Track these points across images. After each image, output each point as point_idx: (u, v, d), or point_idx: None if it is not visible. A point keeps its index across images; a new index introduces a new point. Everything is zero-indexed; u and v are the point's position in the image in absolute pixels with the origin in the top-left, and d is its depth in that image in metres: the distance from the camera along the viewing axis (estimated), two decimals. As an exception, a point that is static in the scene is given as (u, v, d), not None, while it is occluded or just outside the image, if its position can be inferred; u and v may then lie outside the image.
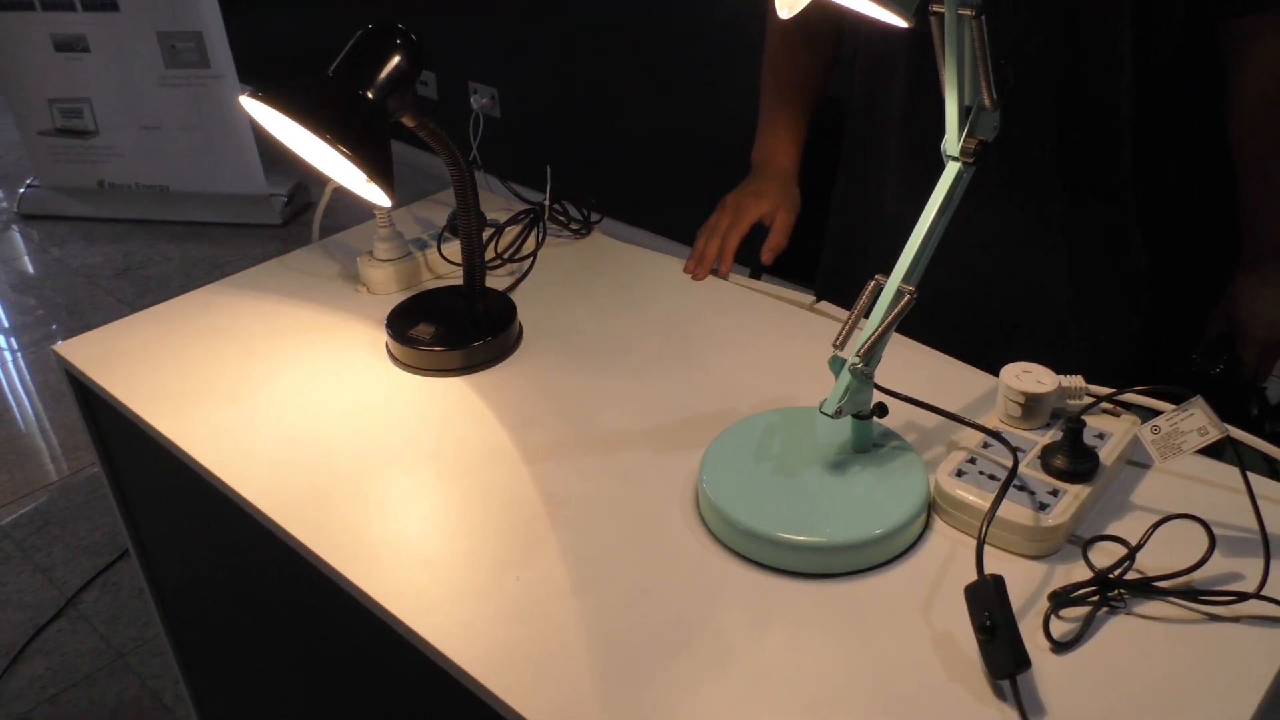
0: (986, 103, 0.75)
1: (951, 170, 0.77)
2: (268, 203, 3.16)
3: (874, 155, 1.18)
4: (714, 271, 1.16)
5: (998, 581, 0.67)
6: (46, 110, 3.13)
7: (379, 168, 0.86)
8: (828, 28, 1.22)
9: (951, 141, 0.76)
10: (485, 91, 3.09)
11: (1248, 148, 1.05)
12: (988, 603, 0.66)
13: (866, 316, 0.78)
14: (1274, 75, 1.02)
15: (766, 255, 1.18)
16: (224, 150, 3.10)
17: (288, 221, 3.21)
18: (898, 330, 1.03)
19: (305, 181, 3.31)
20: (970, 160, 0.76)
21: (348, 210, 1.17)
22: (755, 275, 1.57)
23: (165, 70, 3.00)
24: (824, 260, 1.32)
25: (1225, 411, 1.05)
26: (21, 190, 3.33)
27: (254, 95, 0.84)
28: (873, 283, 0.79)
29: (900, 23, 0.64)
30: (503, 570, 0.76)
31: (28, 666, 1.82)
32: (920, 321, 1.04)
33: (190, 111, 3.05)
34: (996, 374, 0.84)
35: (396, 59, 0.87)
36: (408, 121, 0.91)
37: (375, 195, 0.90)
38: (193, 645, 1.25)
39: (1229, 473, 0.81)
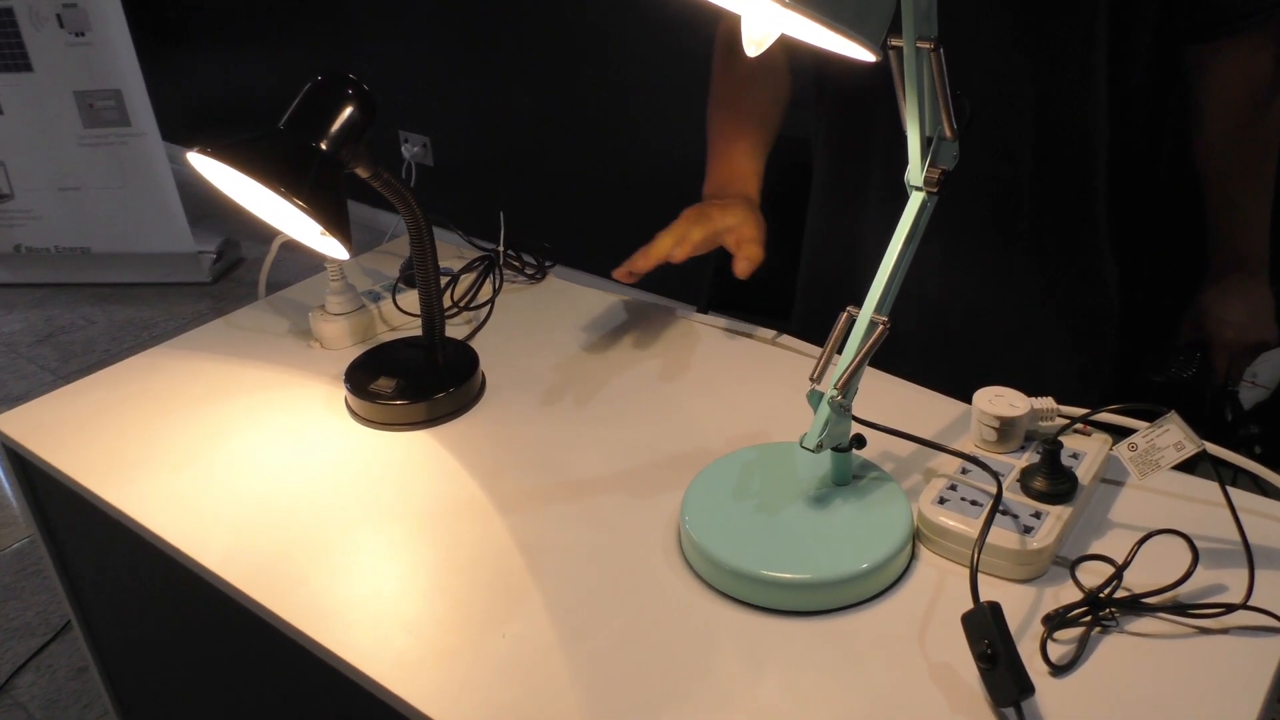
0: (947, 133, 0.75)
1: (916, 200, 0.77)
2: (195, 260, 3.09)
3: (852, 193, 1.18)
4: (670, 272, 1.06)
5: (995, 608, 0.66)
6: (-42, 175, 3.03)
7: (335, 220, 0.84)
8: (784, 64, 1.22)
9: (915, 172, 0.77)
10: (417, 140, 3.07)
11: (1211, 165, 1.09)
12: (986, 630, 0.66)
13: (840, 349, 0.78)
14: (1235, 97, 1.05)
15: (743, 267, 1.05)
16: (148, 209, 3.03)
17: (218, 279, 3.14)
18: (870, 362, 1.03)
19: (234, 237, 3.24)
20: (934, 190, 0.76)
21: (285, 265, 1.14)
22: (704, 310, 1.57)
23: (84, 130, 2.93)
24: (801, 302, 1.32)
25: (1200, 416, 1.07)
26: (-67, 258, 3.21)
27: (203, 152, 0.82)
28: (845, 315, 0.79)
29: (868, 57, 0.64)
30: (486, 627, 0.74)
31: (-40, 759, 1.72)
32: (896, 355, 1.04)
33: (111, 171, 2.98)
34: (971, 402, 0.85)
35: (349, 109, 0.85)
36: (361, 172, 0.89)
37: (331, 248, 0.88)
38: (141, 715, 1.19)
39: (1203, 486, 0.82)
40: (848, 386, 0.76)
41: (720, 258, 1.64)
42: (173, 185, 2.98)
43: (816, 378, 0.78)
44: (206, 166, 0.83)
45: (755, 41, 0.71)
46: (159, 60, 2.99)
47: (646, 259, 1.02)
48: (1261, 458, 0.82)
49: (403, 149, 3.09)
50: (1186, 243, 1.16)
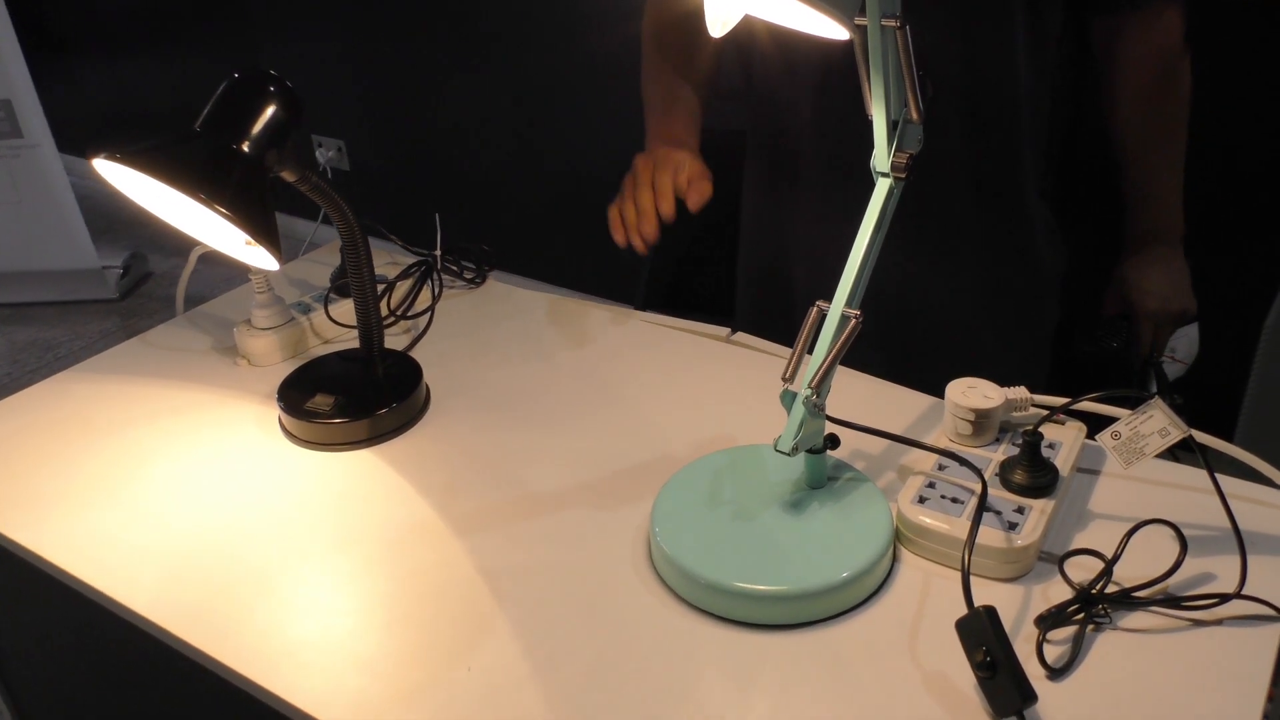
0: (913, 115, 0.72)
1: (883, 187, 0.74)
2: (100, 276, 2.95)
3: (781, 181, 1.16)
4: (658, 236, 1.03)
5: (991, 613, 0.63)
6: None
7: (262, 227, 0.77)
8: (709, 47, 1.19)
9: (881, 157, 0.73)
10: (331, 144, 2.97)
11: (1126, 138, 1.09)
12: (983, 637, 0.62)
13: (811, 347, 0.74)
14: (1143, 70, 1.06)
15: (694, 201, 1.02)
16: (46, 223, 2.87)
17: (125, 295, 3.00)
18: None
19: (142, 250, 3.10)
20: (902, 175, 0.73)
21: (201, 277, 1.06)
22: (640, 308, 1.53)
23: (-27, 143, 2.76)
24: (742, 295, 1.29)
25: (1127, 386, 1.07)
26: None
27: (111, 157, 0.75)
28: (814, 310, 0.75)
29: (842, 34, 0.61)
30: (450, 661, 0.68)
31: None
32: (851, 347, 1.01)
33: (4, 185, 2.82)
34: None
35: (271, 109, 0.79)
36: (288, 176, 0.82)
37: (258, 258, 0.81)
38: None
39: (1184, 472, 0.81)
40: (821, 384, 0.73)
41: (655, 256, 1.61)
42: (72, 198, 2.83)
43: (789, 377, 0.74)
44: (114, 173, 0.76)
45: (721, 21, 0.67)
46: (50, 69, 2.84)
47: (648, 222, 1.01)
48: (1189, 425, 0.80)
49: (317, 154, 2.99)
50: (1112, 214, 1.16)
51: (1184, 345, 1.19)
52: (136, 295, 3.03)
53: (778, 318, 1.22)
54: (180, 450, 0.90)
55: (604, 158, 2.45)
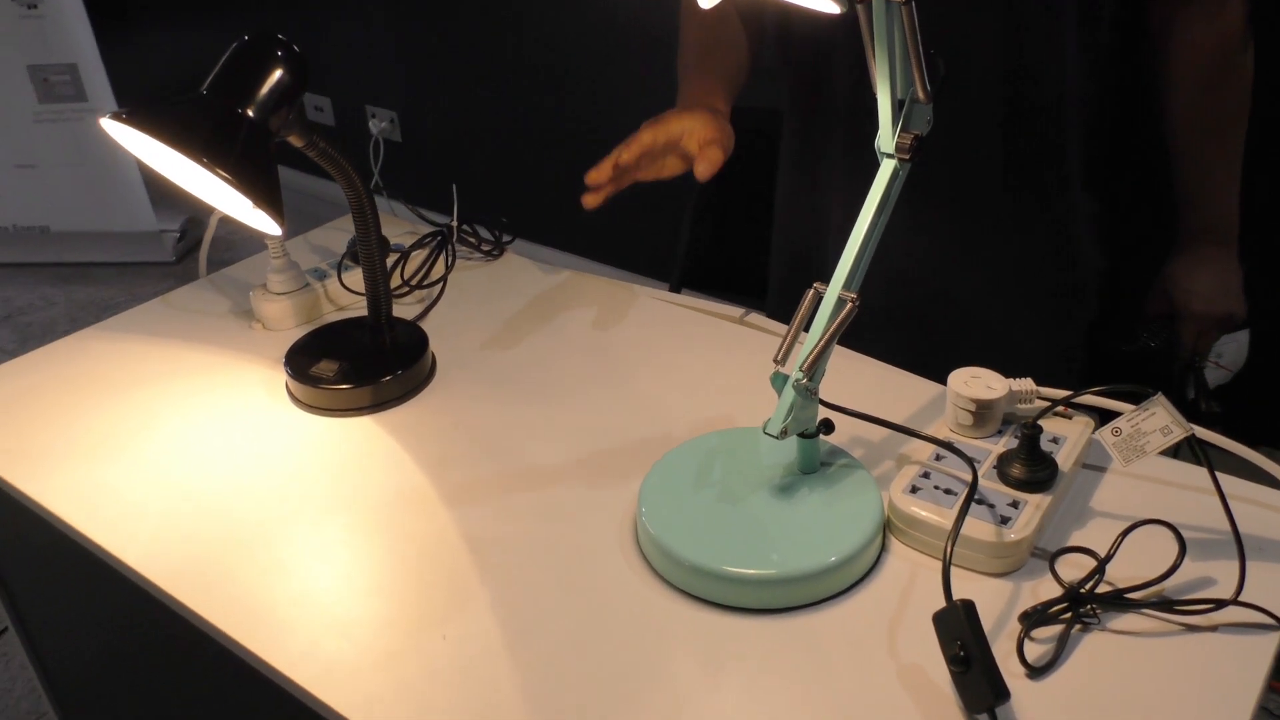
0: (920, 95, 0.70)
1: (887, 168, 0.72)
2: (158, 239, 3.01)
3: (817, 164, 1.13)
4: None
5: (968, 607, 0.61)
6: (-90, 152, 2.93)
7: (264, 192, 0.77)
8: (747, 28, 1.17)
9: (885, 138, 0.72)
10: (384, 115, 2.99)
11: (1179, 130, 1.04)
12: (959, 631, 0.61)
13: (807, 329, 0.73)
14: (1201, 59, 1.01)
15: (702, 169, 0.97)
16: (108, 186, 2.94)
17: (181, 258, 3.06)
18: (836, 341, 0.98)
19: (199, 216, 3.16)
20: (906, 157, 0.71)
21: (247, 243, 1.08)
22: (675, 289, 1.52)
23: (39, 105, 2.83)
24: (773, 276, 1.27)
25: (1166, 391, 1.03)
26: (-113, 238, 3.12)
27: (118, 117, 0.76)
28: (811, 291, 0.73)
29: (833, 9, 0.59)
30: (426, 629, 0.69)
31: (-94, 756, 1.66)
32: (862, 332, 0.99)
33: (69, 148, 2.89)
34: (943, 382, 0.80)
35: (278, 72, 0.79)
36: (295, 141, 0.83)
37: (263, 223, 0.82)
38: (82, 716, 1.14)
39: (1190, 472, 0.78)
40: (814, 368, 0.71)
41: (691, 236, 1.59)
42: (133, 162, 2.89)
43: (781, 359, 0.73)
44: (122, 134, 0.77)
45: (709, -8, 0.65)
46: (115, 35, 2.89)
47: (598, 170, 0.98)
48: (1227, 435, 0.77)
49: (370, 124, 3.01)
50: (1160, 210, 1.12)
51: (1231, 351, 1.14)
52: (191, 259, 3.09)
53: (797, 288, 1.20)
54: (187, 410, 0.91)
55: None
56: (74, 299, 2.91)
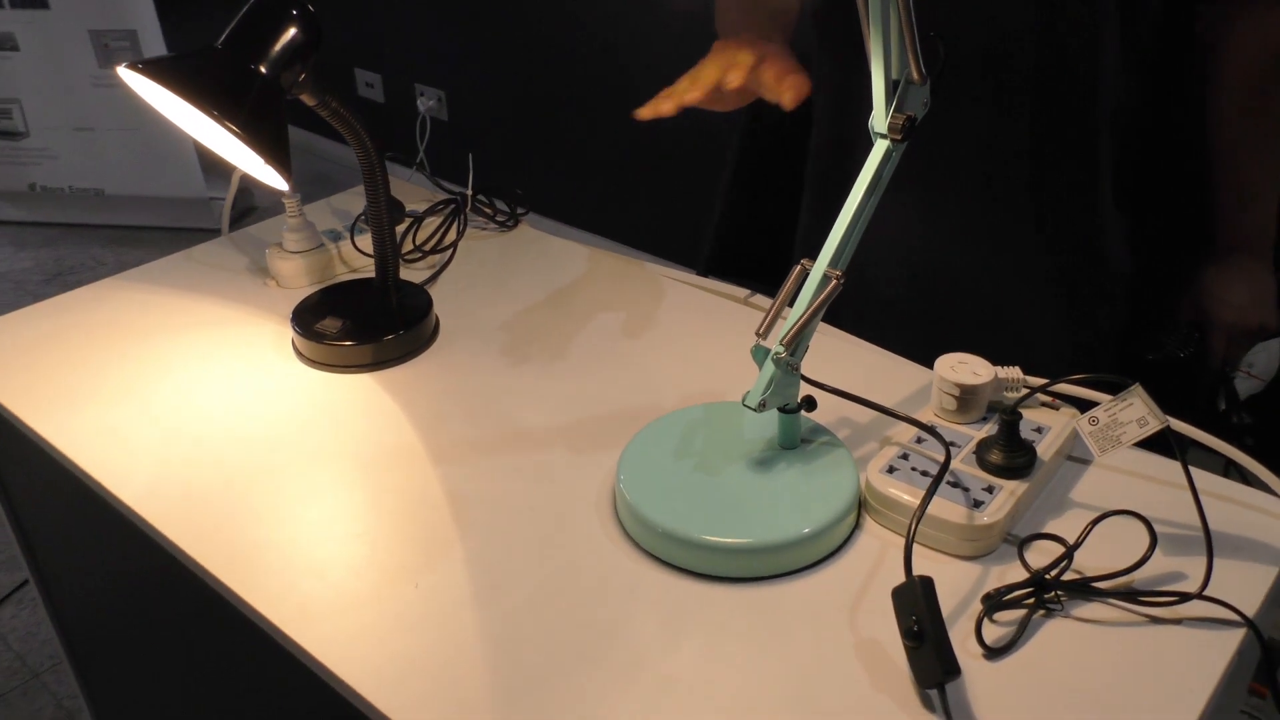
0: (915, 76, 0.70)
1: (880, 148, 0.72)
2: (207, 206, 3.08)
3: (850, 145, 1.12)
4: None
5: (926, 583, 0.62)
6: (-25, 111, 3.03)
7: (272, 147, 0.80)
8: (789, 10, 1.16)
9: (879, 118, 0.72)
10: (433, 93, 3.03)
11: (1223, 138, 1.02)
12: (915, 606, 0.61)
13: (792, 304, 0.74)
14: (1251, 66, 0.98)
15: (789, 98, 0.91)
16: (161, 152, 3.01)
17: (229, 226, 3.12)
18: (842, 326, 0.99)
19: (248, 185, 3.22)
20: (899, 137, 0.71)
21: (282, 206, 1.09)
22: (703, 273, 1.52)
23: (98, 70, 2.91)
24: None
25: (1193, 401, 1.00)
26: (-51, 194, 3.22)
27: (133, 67, 0.78)
28: (798, 268, 0.74)
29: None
30: (400, 577, 0.71)
31: (-65, 688, 1.73)
32: (883, 326, 0.99)
33: (126, 112, 2.96)
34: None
35: (292, 31, 0.81)
36: (307, 99, 0.85)
37: (272, 177, 0.84)
38: (93, 660, 1.18)
39: (1175, 468, 0.77)
40: (795, 342, 0.72)
41: (721, 220, 1.60)
42: (186, 129, 2.96)
43: (763, 332, 0.74)
44: (139, 84, 0.80)
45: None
46: (173, 3, 2.96)
47: (653, 108, 0.92)
48: (1253, 450, 0.76)
49: (418, 102, 3.05)
50: (1195, 216, 1.09)
51: (1263, 361, 1.12)
52: (240, 226, 3.15)
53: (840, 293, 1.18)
54: (196, 359, 0.94)
55: (697, 119, 2.44)
56: (122, 261, 2.99)
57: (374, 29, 3.11)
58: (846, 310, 1.12)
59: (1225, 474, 0.78)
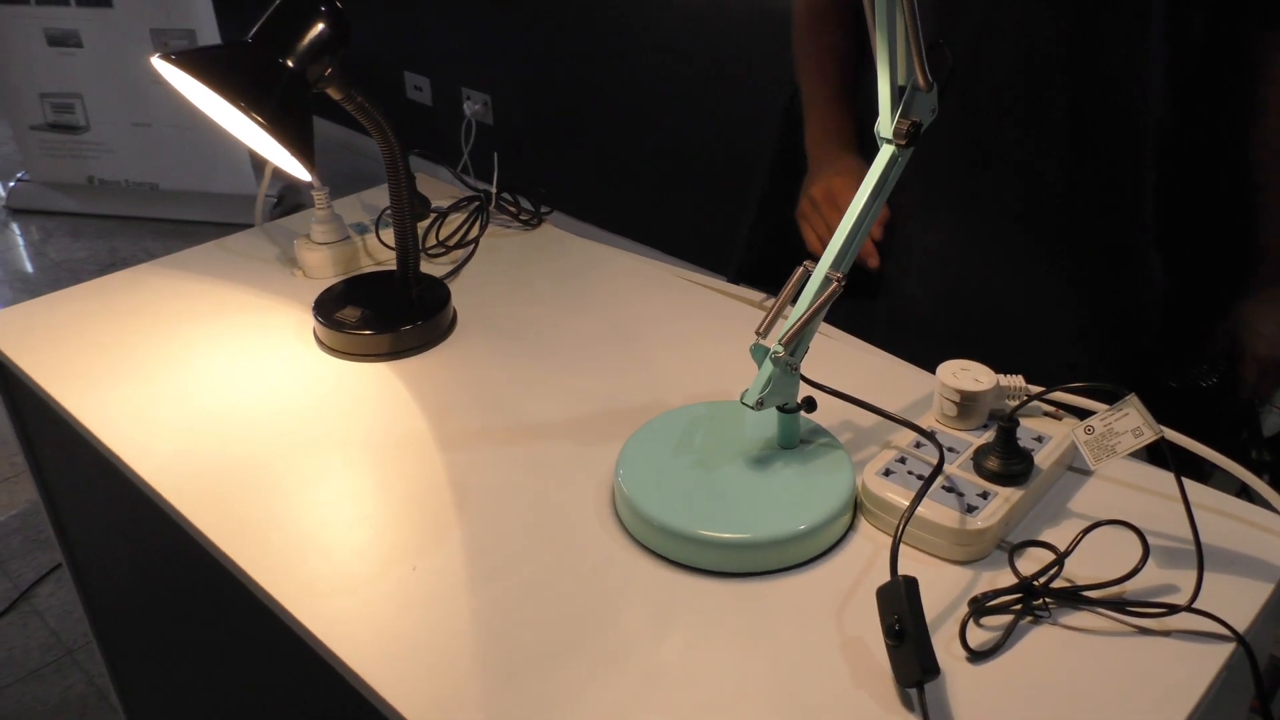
0: (920, 83, 0.71)
1: (885, 153, 0.73)
2: (255, 204, 3.14)
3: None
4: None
5: (910, 583, 0.62)
6: (38, 105, 3.12)
7: (297, 138, 0.82)
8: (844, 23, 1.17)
9: (884, 123, 0.72)
10: (479, 97, 3.07)
11: (1267, 168, 1.00)
12: (898, 605, 0.62)
13: (794, 304, 0.74)
14: None
15: (877, 230, 1.09)
16: (214, 150, 3.08)
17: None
18: (874, 343, 0.99)
19: (296, 183, 3.29)
20: (903, 143, 0.72)
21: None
22: (733, 280, 1.53)
23: (157, 67, 2.98)
24: None
25: (1216, 431, 0.98)
26: (11, 184, 3.32)
27: (167, 58, 0.81)
28: (800, 269, 0.75)
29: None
30: (399, 559, 0.72)
31: (-27, 660, 1.78)
32: (920, 342, 0.98)
33: (181, 110, 3.03)
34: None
35: (319, 26, 0.84)
36: (333, 93, 0.87)
37: (296, 168, 0.87)
38: (119, 640, 1.21)
39: (1173, 480, 0.77)
40: (794, 343, 0.73)
41: (752, 228, 1.60)
42: (238, 127, 3.03)
43: (763, 331, 0.75)
44: (173, 75, 0.83)
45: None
46: (230, 4, 3.03)
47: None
48: (1274, 485, 0.76)
49: (464, 106, 3.09)
50: (1234, 244, 1.08)
51: None
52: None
53: (853, 298, 1.19)
54: (222, 345, 0.97)
55: (731, 128, 2.45)
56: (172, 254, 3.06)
57: (424, 34, 3.17)
58: (879, 328, 1.12)
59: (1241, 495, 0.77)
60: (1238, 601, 0.66)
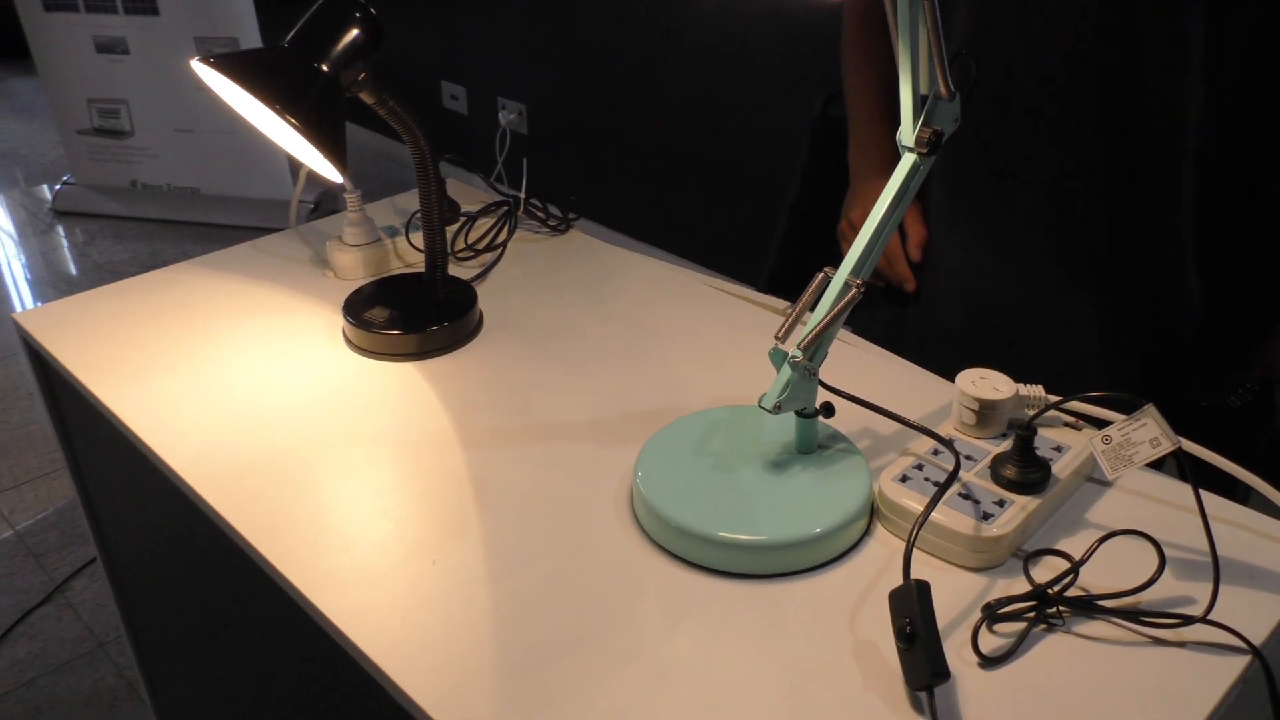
0: (942, 91, 0.71)
1: (907, 162, 0.74)
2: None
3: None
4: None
5: (922, 587, 0.63)
6: (85, 110, 3.19)
7: (330, 141, 0.84)
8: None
9: (906, 131, 0.73)
10: (514, 107, 3.10)
11: None
12: (909, 609, 0.62)
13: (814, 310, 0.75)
14: None
15: (915, 251, 1.12)
16: (254, 156, 3.13)
17: (313, 228, 3.24)
18: (904, 356, 0.99)
19: (334, 189, 3.33)
20: (925, 151, 0.72)
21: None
22: (763, 289, 1.53)
23: (200, 74, 3.04)
24: None
25: (1248, 454, 0.97)
26: (57, 187, 3.39)
27: (206, 61, 0.83)
28: (820, 275, 0.75)
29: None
30: (420, 554, 0.74)
31: (9, 650, 1.82)
32: (950, 355, 0.98)
33: (222, 116, 3.09)
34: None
35: (354, 32, 0.86)
36: (366, 98, 0.89)
37: (328, 170, 0.89)
38: (149, 634, 1.23)
39: (1190, 492, 0.76)
40: (812, 348, 0.73)
41: (784, 237, 1.60)
42: (278, 134, 3.08)
43: (782, 336, 0.75)
44: (210, 76, 0.85)
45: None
46: (273, 12, 3.09)
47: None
48: None
49: (500, 115, 3.13)
50: (1274, 263, 1.06)
51: None
52: (323, 230, 3.26)
53: (881, 309, 1.19)
54: (253, 343, 0.99)
55: (763, 137, 2.46)
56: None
57: (461, 44, 3.21)
58: (908, 340, 1.12)
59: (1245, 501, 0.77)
60: (1254, 614, 0.66)
